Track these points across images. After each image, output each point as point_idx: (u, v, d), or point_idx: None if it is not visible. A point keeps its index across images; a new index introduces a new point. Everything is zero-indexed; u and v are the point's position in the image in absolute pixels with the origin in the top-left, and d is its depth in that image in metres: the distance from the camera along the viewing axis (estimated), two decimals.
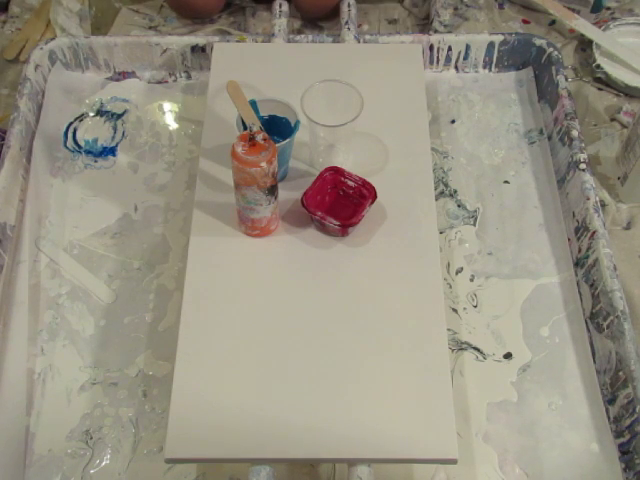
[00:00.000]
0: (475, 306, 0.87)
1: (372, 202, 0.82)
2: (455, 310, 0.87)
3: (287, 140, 0.81)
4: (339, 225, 0.80)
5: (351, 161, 0.89)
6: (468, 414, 0.80)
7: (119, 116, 1.04)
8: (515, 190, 0.97)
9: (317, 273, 0.81)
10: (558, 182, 0.97)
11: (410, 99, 0.96)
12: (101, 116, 1.04)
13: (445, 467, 0.76)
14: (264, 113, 0.85)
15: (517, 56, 1.07)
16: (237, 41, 1.05)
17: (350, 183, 0.84)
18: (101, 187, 0.97)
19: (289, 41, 1.06)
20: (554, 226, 0.94)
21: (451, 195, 0.96)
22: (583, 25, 1.13)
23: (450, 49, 1.06)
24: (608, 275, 0.83)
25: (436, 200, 0.89)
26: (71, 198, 0.96)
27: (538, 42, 1.05)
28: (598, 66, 1.10)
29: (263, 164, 0.72)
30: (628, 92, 1.09)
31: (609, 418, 0.80)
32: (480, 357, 0.84)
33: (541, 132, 1.02)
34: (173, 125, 1.04)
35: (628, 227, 0.95)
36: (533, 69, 1.08)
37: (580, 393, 0.81)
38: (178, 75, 1.09)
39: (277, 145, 0.76)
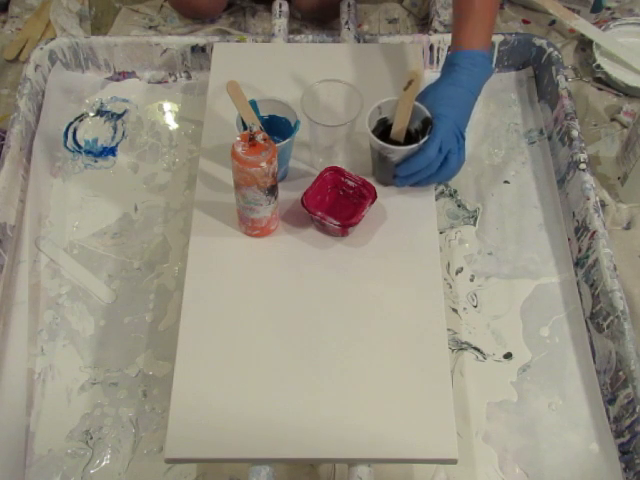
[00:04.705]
0: (475, 306, 0.87)
1: (372, 202, 0.82)
2: (455, 310, 0.87)
3: (287, 140, 0.81)
4: (339, 225, 0.80)
5: (351, 161, 0.89)
6: (468, 414, 0.80)
7: (119, 116, 1.04)
8: (515, 190, 0.97)
9: (317, 273, 0.81)
10: (558, 182, 0.97)
11: None
12: (101, 116, 1.04)
13: (445, 467, 0.76)
14: (264, 113, 0.85)
15: (517, 56, 1.07)
16: (237, 41, 1.05)
17: (350, 183, 0.84)
18: (101, 187, 0.97)
19: (289, 41, 1.06)
20: (554, 226, 0.94)
21: (451, 195, 0.96)
22: (583, 25, 1.13)
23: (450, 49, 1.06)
24: (608, 275, 0.83)
25: (436, 200, 0.89)
26: (71, 198, 0.96)
27: (538, 42, 1.05)
28: (598, 66, 1.10)
29: (263, 164, 0.72)
30: (628, 92, 1.09)
31: (609, 418, 0.80)
32: (480, 357, 0.84)
33: (541, 132, 1.02)
34: (173, 125, 1.04)
35: (628, 227, 0.95)
36: (533, 69, 1.08)
37: (580, 393, 0.81)
38: (178, 75, 1.09)
39: (277, 145, 0.76)
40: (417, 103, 0.82)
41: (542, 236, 0.93)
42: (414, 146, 0.80)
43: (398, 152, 0.81)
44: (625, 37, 1.13)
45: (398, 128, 0.83)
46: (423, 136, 0.81)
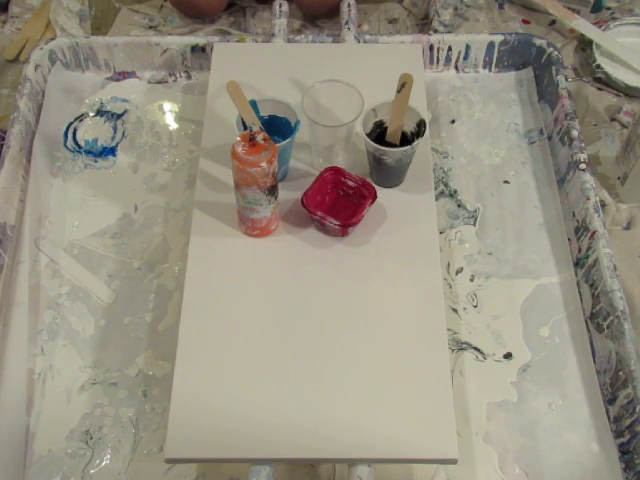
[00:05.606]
0: (475, 306, 0.87)
1: (372, 202, 0.82)
2: (455, 310, 0.87)
3: (287, 140, 0.81)
4: (339, 225, 0.80)
5: (351, 161, 0.89)
6: (468, 414, 0.80)
7: (119, 116, 1.04)
8: (515, 190, 0.97)
9: (317, 273, 0.81)
10: (558, 182, 0.97)
11: (410, 99, 0.95)
12: (101, 116, 1.04)
13: (445, 467, 0.76)
14: (264, 113, 0.85)
15: (517, 56, 1.07)
16: (237, 41, 1.05)
17: (350, 183, 0.84)
18: (101, 187, 0.97)
19: (289, 41, 1.06)
20: (554, 226, 0.94)
21: (451, 195, 0.96)
22: (583, 25, 1.13)
23: (450, 49, 1.06)
24: (608, 275, 0.83)
25: (436, 200, 0.89)
26: (71, 198, 0.96)
27: (538, 42, 1.05)
28: (598, 66, 1.10)
29: (263, 164, 0.72)
30: (628, 92, 1.09)
31: (609, 418, 0.80)
32: (480, 357, 0.84)
33: (541, 132, 1.02)
34: (173, 125, 1.04)
35: (628, 227, 0.95)
36: (533, 69, 1.08)
37: (580, 393, 0.81)
38: (178, 75, 1.09)
39: (277, 145, 0.76)
40: (411, 105, 0.82)
41: (542, 236, 0.93)
42: (407, 148, 0.81)
43: (392, 154, 0.81)
44: (625, 37, 1.13)
45: (392, 130, 0.83)
46: (418, 138, 0.82)
